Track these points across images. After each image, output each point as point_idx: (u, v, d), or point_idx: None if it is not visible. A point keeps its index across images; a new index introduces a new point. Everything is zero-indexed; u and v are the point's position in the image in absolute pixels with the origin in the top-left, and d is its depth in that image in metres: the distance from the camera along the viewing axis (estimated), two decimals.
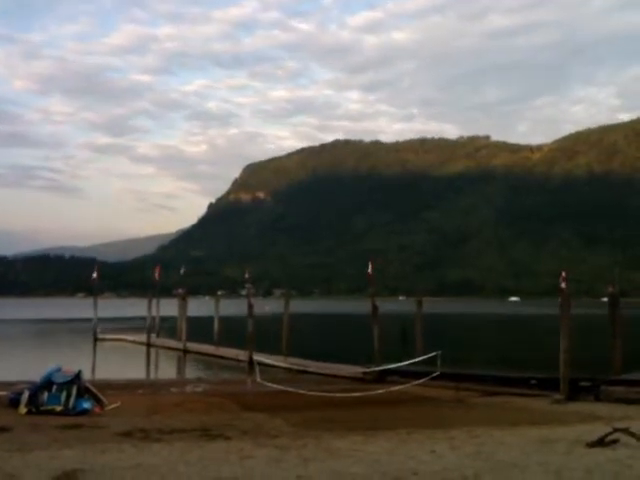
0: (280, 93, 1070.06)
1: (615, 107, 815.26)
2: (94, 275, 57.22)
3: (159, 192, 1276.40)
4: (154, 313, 48.85)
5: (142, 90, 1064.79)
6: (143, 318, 49.41)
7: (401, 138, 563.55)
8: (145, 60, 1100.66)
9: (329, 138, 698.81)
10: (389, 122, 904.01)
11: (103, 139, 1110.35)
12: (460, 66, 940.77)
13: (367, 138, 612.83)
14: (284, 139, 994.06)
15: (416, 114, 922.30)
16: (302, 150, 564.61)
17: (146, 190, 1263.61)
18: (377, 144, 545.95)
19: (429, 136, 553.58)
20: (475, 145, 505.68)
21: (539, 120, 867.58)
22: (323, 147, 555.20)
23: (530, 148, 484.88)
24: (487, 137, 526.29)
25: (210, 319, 44.35)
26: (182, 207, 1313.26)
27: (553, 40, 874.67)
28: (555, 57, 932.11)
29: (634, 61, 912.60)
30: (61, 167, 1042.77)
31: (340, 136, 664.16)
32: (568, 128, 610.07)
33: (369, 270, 35.09)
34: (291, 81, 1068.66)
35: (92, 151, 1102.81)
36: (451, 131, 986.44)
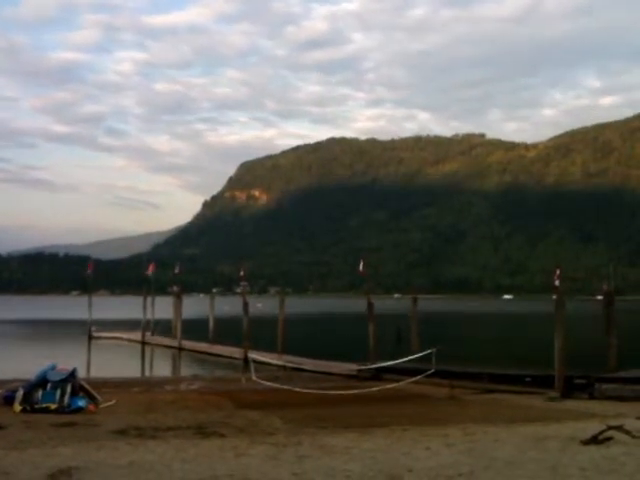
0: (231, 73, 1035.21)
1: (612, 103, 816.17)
2: (88, 270, 57.00)
3: (134, 186, 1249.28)
4: (149, 311, 48.79)
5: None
6: (139, 321, 49.12)
7: (396, 136, 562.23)
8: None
9: (323, 136, 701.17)
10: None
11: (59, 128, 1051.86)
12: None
13: (363, 136, 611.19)
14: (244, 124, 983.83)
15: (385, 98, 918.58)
16: (297, 148, 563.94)
17: (116, 184, 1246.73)
18: (373, 142, 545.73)
19: (424, 134, 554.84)
20: (470, 143, 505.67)
21: (534, 116, 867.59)
22: (318, 145, 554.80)
23: (525, 146, 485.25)
24: (482, 135, 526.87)
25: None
26: (164, 203, 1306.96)
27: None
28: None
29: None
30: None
31: (334, 134, 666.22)
32: (563, 126, 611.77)
33: (360, 268, 35.10)
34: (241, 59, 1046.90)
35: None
36: (446, 129, 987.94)
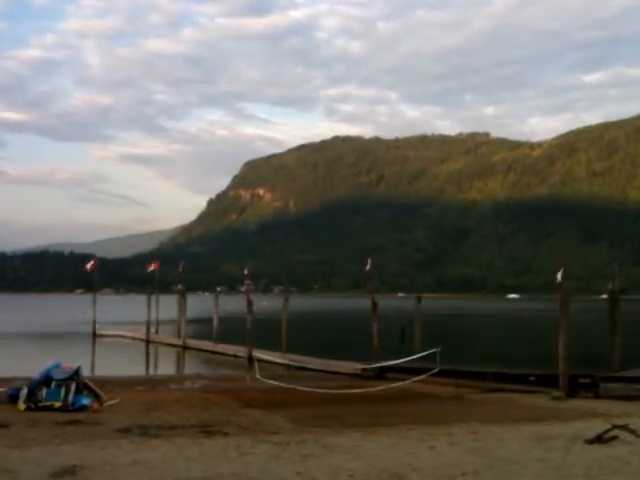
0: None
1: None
2: (90, 264, 56.45)
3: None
4: (153, 309, 48.76)
5: None
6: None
7: (401, 135, 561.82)
8: None
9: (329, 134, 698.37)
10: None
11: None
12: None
13: (367, 134, 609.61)
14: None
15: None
16: (302, 147, 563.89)
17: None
18: (377, 140, 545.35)
19: (429, 133, 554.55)
20: (475, 141, 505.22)
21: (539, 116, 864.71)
22: (323, 143, 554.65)
23: (530, 145, 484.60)
24: (487, 134, 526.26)
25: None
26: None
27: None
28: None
29: None
30: None
31: (339, 132, 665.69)
32: (569, 125, 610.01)
33: (368, 267, 35.08)
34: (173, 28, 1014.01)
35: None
36: (451, 128, 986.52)
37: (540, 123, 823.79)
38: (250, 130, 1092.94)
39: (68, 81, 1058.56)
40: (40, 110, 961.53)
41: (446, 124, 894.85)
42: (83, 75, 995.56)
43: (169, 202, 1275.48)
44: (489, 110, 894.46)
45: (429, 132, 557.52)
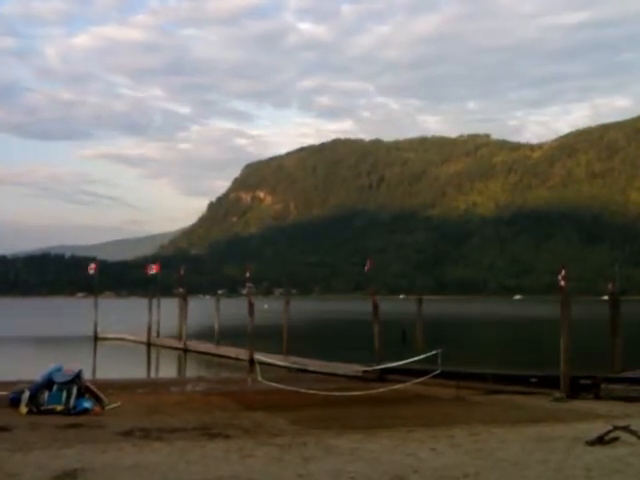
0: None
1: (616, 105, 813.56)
2: (92, 268, 56.52)
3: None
4: (155, 313, 48.75)
5: None
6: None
7: (401, 137, 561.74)
8: None
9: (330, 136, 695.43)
10: None
11: None
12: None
13: (367, 137, 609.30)
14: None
15: None
16: (302, 149, 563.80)
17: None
18: (377, 142, 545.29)
19: (429, 134, 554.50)
20: (475, 143, 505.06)
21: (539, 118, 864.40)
22: (323, 146, 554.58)
23: (530, 146, 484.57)
24: (487, 135, 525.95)
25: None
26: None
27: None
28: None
29: None
30: None
31: (340, 134, 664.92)
32: (569, 126, 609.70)
33: (366, 267, 35.16)
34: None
35: None
36: (451, 129, 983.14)
37: (538, 124, 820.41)
38: (228, 126, 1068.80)
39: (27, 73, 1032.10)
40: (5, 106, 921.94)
41: (445, 126, 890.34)
42: (42, 67, 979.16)
43: (156, 202, 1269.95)
44: (472, 104, 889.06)
45: (429, 134, 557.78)
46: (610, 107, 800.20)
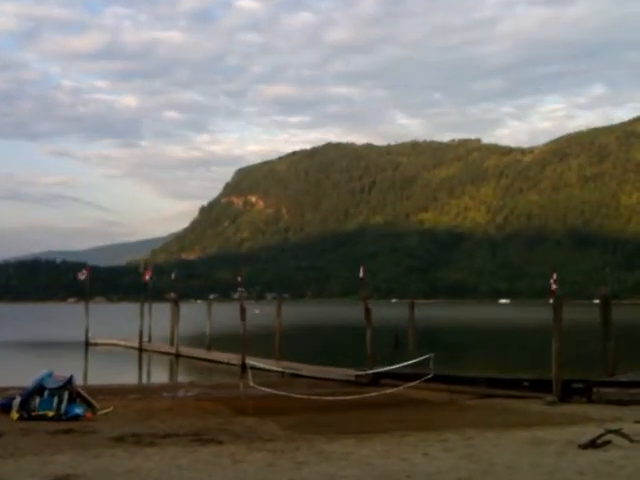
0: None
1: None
2: (83, 274, 56.37)
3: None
4: (146, 318, 48.58)
5: None
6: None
7: (393, 141, 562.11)
8: None
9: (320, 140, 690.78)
10: None
11: None
12: None
13: (359, 141, 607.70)
14: None
15: None
16: (294, 153, 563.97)
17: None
18: (369, 147, 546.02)
19: (421, 139, 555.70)
20: (467, 148, 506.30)
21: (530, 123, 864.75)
22: (315, 150, 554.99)
23: (522, 150, 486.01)
24: (478, 140, 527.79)
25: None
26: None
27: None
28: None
29: None
30: None
31: (331, 138, 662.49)
32: (559, 130, 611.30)
33: (360, 274, 35.08)
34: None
35: None
36: (442, 134, 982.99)
37: (531, 129, 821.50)
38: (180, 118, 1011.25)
39: None
40: None
41: (437, 130, 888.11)
42: None
43: (129, 204, 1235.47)
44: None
45: (420, 138, 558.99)
46: (586, 96, 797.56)
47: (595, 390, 19.82)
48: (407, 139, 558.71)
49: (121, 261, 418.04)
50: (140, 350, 45.68)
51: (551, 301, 22.61)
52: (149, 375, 36.31)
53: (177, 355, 41.45)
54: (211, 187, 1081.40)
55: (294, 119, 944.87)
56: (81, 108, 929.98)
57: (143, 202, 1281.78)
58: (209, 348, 41.25)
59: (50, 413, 16.21)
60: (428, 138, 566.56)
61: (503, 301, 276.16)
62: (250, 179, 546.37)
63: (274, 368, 30.63)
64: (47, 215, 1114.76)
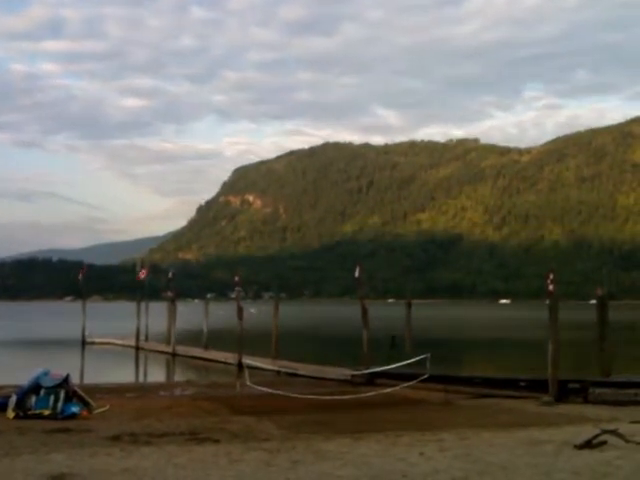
0: None
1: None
2: (81, 272, 56.65)
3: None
4: (143, 317, 48.50)
5: None
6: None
7: (391, 141, 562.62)
8: None
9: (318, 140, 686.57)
10: None
11: None
12: None
13: (357, 140, 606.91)
14: None
15: None
16: (292, 153, 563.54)
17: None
18: (367, 146, 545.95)
19: (418, 139, 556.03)
20: (464, 147, 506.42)
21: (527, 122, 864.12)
22: (313, 150, 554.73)
23: (519, 151, 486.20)
24: (476, 140, 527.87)
25: None
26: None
27: None
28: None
29: None
30: None
31: (329, 138, 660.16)
32: (557, 131, 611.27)
33: (357, 274, 35.03)
34: None
35: None
36: (440, 134, 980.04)
37: (529, 129, 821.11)
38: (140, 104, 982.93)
39: None
40: None
41: (435, 130, 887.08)
42: None
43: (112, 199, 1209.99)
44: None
45: (418, 138, 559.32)
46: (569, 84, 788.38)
47: (591, 390, 19.84)
48: (386, 131, 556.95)
49: (116, 260, 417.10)
50: (137, 349, 45.63)
51: (547, 302, 22.62)
52: (146, 374, 36.27)
53: (174, 354, 41.41)
54: (194, 182, 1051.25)
55: (262, 107, 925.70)
56: (39, 95, 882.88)
57: (126, 197, 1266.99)
58: (206, 347, 41.22)
59: (46, 412, 16.19)
60: (426, 138, 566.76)
61: (503, 301, 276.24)
62: (247, 178, 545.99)
63: (271, 367, 30.63)
64: (27, 211, 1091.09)
